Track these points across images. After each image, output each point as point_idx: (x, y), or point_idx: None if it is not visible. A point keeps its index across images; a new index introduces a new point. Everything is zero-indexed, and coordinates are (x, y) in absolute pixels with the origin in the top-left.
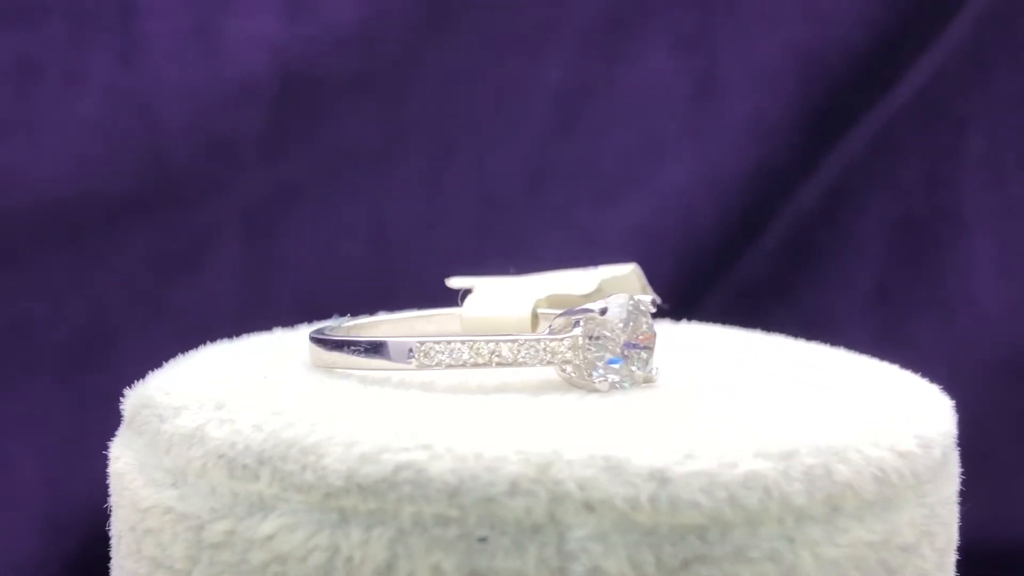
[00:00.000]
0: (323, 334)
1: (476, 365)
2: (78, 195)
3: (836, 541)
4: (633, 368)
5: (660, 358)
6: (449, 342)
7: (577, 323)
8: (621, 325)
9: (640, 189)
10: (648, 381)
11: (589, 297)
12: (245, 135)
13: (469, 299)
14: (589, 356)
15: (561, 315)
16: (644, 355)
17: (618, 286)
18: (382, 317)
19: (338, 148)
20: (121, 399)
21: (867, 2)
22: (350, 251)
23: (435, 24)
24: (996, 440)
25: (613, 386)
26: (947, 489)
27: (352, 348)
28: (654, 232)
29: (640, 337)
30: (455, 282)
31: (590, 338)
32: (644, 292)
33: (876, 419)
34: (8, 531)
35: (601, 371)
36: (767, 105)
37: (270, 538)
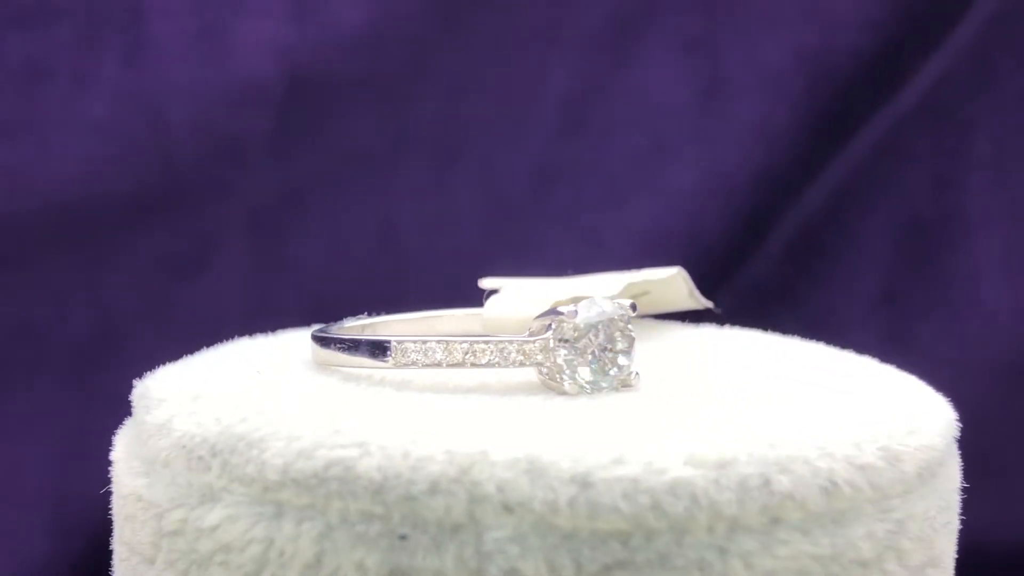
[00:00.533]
0: (323, 331)
1: (451, 365)
2: (85, 196)
3: (775, 553)
4: (610, 372)
5: (658, 361)
6: (425, 341)
7: (550, 326)
8: (593, 328)
9: (646, 191)
10: (625, 385)
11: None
12: (252, 136)
13: (492, 299)
14: (559, 359)
15: (538, 317)
16: (620, 359)
17: (664, 289)
18: (399, 316)
19: (345, 150)
20: (128, 399)
21: (873, 5)
22: (357, 252)
23: (442, 26)
24: (1002, 442)
25: (583, 389)
26: (923, 504)
27: (338, 345)
28: (660, 234)
29: (616, 340)
30: (487, 282)
31: (560, 340)
32: (691, 296)
33: (845, 428)
34: (16, 531)
35: (569, 374)
36: (773, 108)
37: (215, 528)
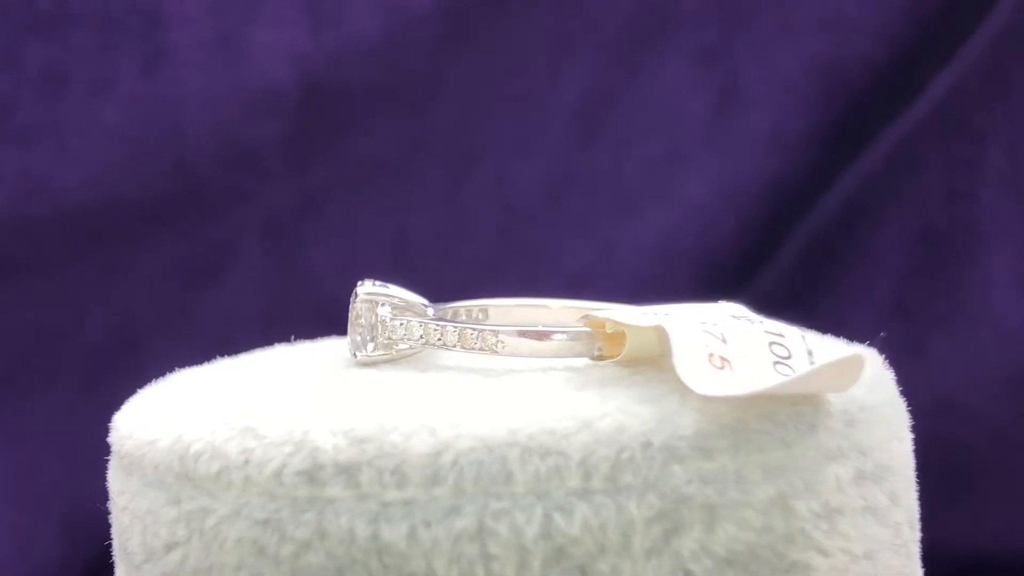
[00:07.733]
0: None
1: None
2: (102, 202)
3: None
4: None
5: None
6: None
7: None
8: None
9: (660, 201)
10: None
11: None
12: (268, 145)
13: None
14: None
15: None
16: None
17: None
18: (513, 301)
19: (360, 158)
20: None
21: (888, 16)
22: (372, 261)
23: (457, 36)
24: (1015, 452)
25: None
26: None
27: None
28: (673, 244)
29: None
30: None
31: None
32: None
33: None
34: (31, 535)
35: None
36: (787, 118)
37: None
